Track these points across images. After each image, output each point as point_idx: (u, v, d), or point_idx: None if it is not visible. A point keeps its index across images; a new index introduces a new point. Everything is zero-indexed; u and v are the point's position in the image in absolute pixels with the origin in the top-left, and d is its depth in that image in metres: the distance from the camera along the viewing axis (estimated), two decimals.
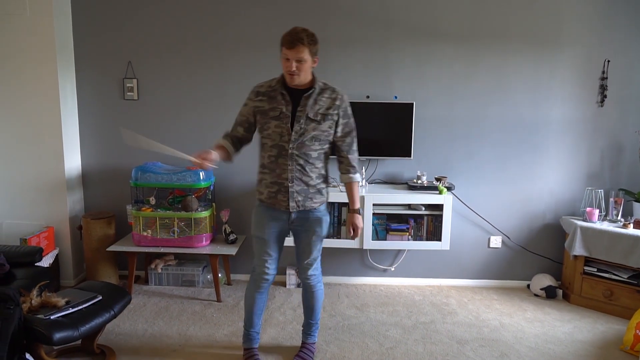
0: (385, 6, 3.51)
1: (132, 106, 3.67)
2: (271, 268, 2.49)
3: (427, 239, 3.46)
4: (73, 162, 3.64)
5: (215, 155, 2.25)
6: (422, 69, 3.58)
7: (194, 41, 3.58)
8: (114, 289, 2.66)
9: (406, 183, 3.63)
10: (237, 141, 2.43)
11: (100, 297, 2.52)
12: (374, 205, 3.34)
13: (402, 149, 3.54)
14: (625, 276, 3.26)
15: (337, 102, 2.33)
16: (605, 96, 3.58)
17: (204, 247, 3.44)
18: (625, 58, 3.54)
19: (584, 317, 3.28)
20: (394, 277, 3.81)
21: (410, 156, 3.55)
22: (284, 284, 3.72)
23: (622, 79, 3.57)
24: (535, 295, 3.64)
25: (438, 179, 3.49)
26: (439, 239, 3.41)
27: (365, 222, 3.33)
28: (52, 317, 2.27)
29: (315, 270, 2.56)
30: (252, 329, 2.61)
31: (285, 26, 2.25)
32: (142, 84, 3.64)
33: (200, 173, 3.35)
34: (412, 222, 3.44)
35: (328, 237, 3.39)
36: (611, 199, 3.49)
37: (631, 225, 3.28)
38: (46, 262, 3.31)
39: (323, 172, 2.41)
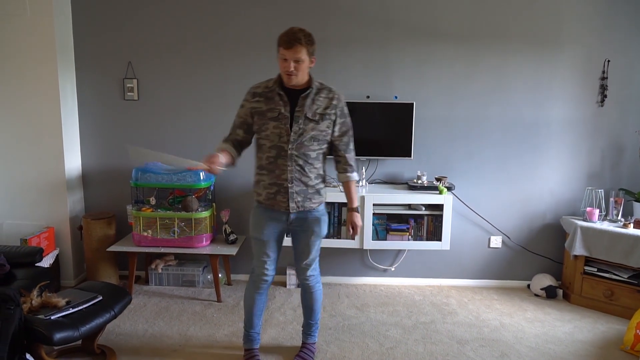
0: (385, 6, 3.51)
1: (132, 106, 3.67)
2: (270, 269, 2.49)
3: (428, 239, 3.46)
4: (73, 162, 3.64)
5: (222, 158, 2.22)
6: (422, 69, 3.58)
7: (194, 41, 3.58)
8: (115, 289, 2.66)
9: (406, 183, 3.63)
10: (238, 145, 2.41)
11: (101, 298, 2.52)
12: (374, 205, 3.34)
13: (402, 149, 3.54)
14: (626, 276, 3.26)
15: (335, 102, 2.33)
16: (605, 96, 3.57)
17: (204, 247, 3.44)
18: (625, 58, 3.54)
19: (585, 317, 3.28)
20: (394, 277, 3.82)
21: (410, 156, 3.55)
22: (284, 284, 3.72)
23: (622, 79, 3.57)
24: (536, 295, 3.64)
25: (438, 179, 3.49)
26: (439, 239, 3.41)
27: (366, 222, 3.33)
28: (52, 318, 2.27)
29: (314, 270, 2.56)
30: (252, 329, 2.61)
31: (285, 26, 2.25)
32: (143, 84, 3.64)
33: (201, 173, 3.35)
34: (412, 222, 3.44)
35: (328, 237, 3.40)
36: (611, 199, 3.49)
37: (631, 225, 3.28)
38: (46, 262, 3.31)
39: (321, 172, 2.41)
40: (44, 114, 3.45)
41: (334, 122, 2.35)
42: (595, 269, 3.39)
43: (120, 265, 3.72)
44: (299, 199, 2.35)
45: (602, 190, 3.51)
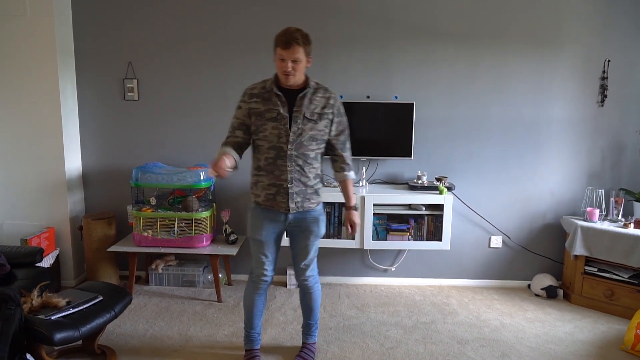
0: (385, 6, 3.51)
1: (133, 107, 3.67)
2: (269, 269, 2.49)
3: (428, 239, 3.45)
4: (73, 162, 3.64)
5: (228, 162, 2.19)
6: (422, 69, 3.58)
7: (194, 41, 3.58)
8: (115, 290, 2.66)
9: (407, 183, 3.63)
10: (238, 147, 2.37)
11: (101, 298, 2.52)
12: (374, 205, 3.34)
13: (403, 149, 3.54)
14: (626, 276, 3.26)
15: (331, 101, 2.34)
16: (605, 96, 3.57)
17: (205, 247, 3.44)
18: (625, 58, 3.54)
19: (585, 317, 3.28)
20: (394, 277, 3.81)
21: (410, 156, 3.55)
22: (284, 285, 3.72)
23: (623, 79, 3.56)
24: (536, 295, 3.64)
25: (438, 179, 3.49)
26: (440, 239, 3.41)
27: (366, 222, 3.33)
28: (52, 318, 2.27)
29: (313, 271, 2.55)
30: (252, 330, 2.61)
31: (284, 26, 2.25)
32: (143, 84, 3.65)
33: (201, 173, 3.35)
34: (412, 222, 3.44)
35: (329, 237, 3.41)
36: (612, 199, 3.49)
37: (632, 225, 3.28)
38: (47, 262, 3.31)
39: (319, 172, 2.42)
40: (44, 114, 3.45)
41: (332, 121, 2.36)
42: (596, 269, 3.39)
43: (120, 265, 3.72)
44: (299, 199, 2.35)
45: (603, 190, 3.51)
